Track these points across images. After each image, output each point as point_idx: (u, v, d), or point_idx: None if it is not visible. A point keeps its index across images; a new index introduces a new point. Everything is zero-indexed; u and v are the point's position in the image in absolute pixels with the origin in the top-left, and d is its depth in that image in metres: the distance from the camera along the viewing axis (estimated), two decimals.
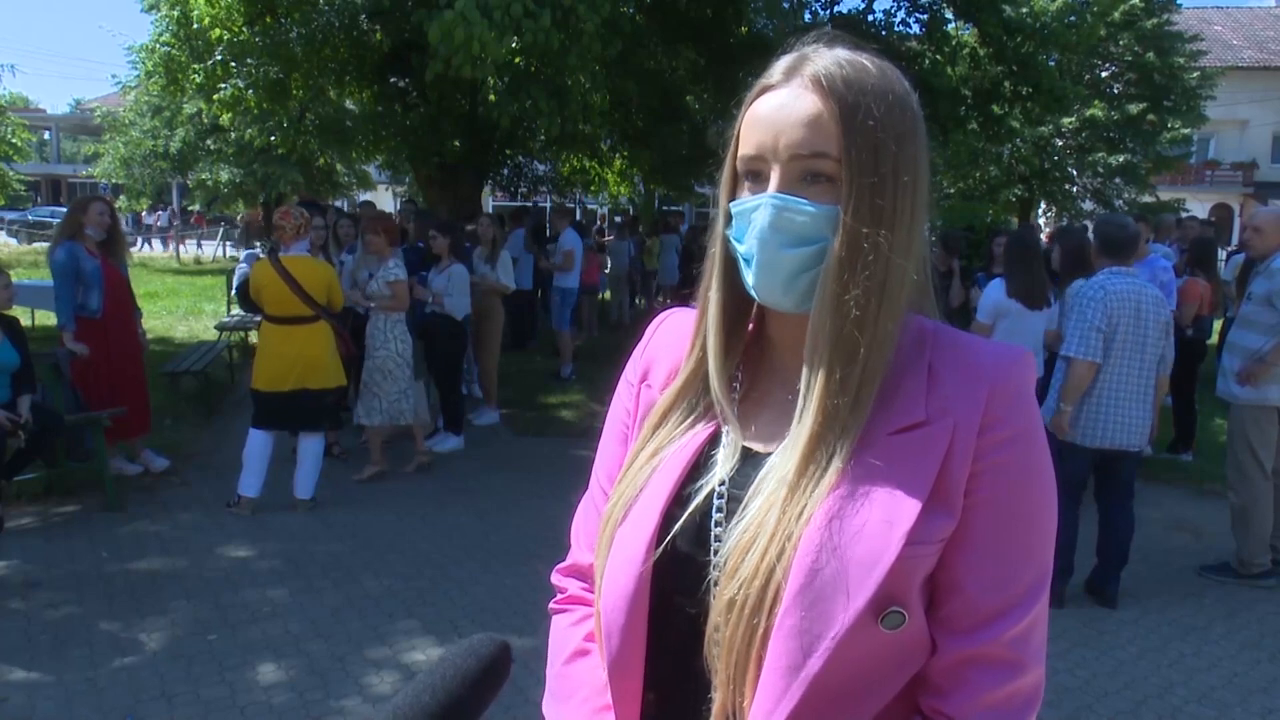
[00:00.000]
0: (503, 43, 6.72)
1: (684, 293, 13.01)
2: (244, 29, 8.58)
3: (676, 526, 0.89)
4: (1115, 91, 20.88)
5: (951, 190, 20.67)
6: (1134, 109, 19.97)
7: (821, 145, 0.83)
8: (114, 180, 26.23)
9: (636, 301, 14.55)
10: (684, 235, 14.04)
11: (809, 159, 0.84)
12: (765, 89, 0.88)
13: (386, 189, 26.78)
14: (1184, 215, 12.98)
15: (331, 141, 12.20)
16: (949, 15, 11.43)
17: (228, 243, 29.15)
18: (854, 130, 0.83)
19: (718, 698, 0.85)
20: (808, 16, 11.42)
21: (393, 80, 10.59)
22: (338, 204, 21.19)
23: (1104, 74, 21.11)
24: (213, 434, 6.80)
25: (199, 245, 29.31)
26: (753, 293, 0.89)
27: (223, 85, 9.05)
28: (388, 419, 5.72)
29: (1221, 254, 8.77)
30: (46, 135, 44.90)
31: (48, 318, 9.61)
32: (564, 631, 1.03)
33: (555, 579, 1.09)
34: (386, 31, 9.13)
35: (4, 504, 4.73)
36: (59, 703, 3.13)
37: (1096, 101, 19.94)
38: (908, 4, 11.51)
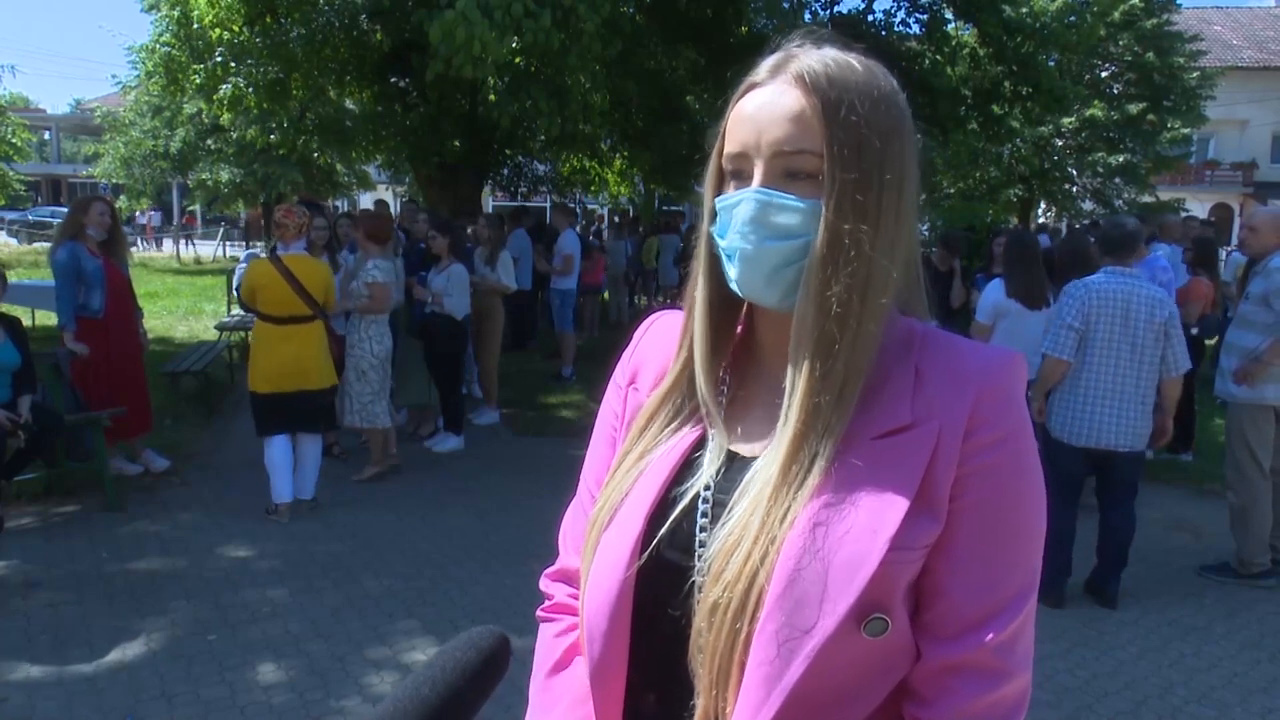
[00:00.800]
0: (503, 43, 6.72)
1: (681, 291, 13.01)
2: (244, 29, 8.58)
3: (661, 531, 0.88)
4: (1115, 91, 20.88)
5: (951, 190, 20.68)
6: (1134, 109, 19.97)
7: (804, 141, 0.83)
8: (114, 180, 26.24)
9: (636, 301, 14.55)
10: (683, 235, 14.03)
11: (791, 155, 0.84)
12: (751, 86, 0.89)
13: (386, 189, 26.76)
14: (1183, 215, 12.98)
15: (331, 141, 12.21)
16: (949, 15, 11.44)
17: (228, 242, 29.17)
18: (836, 126, 0.82)
19: (700, 703, 0.84)
20: (808, 16, 11.42)
21: (393, 80, 10.59)
22: (337, 204, 21.20)
23: (1104, 74, 21.11)
24: (213, 434, 6.80)
25: (190, 244, 29.22)
26: (735, 287, 0.89)
27: (223, 85, 9.05)
28: (359, 420, 5.67)
29: (1221, 254, 8.76)
30: (46, 135, 44.90)
31: (48, 318, 9.61)
32: (548, 643, 1.02)
33: (543, 584, 1.08)
34: (387, 31, 9.14)
35: (4, 504, 4.73)
36: (59, 703, 3.13)
37: (1096, 101, 19.94)
38: (908, 4, 11.52)
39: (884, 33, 11.06)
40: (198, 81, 9.24)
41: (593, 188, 17.24)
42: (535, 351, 10.59)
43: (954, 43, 11.76)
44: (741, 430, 0.92)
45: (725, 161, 0.89)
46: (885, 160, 0.84)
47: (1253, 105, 28.13)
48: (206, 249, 29.14)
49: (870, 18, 11.48)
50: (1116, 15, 19.27)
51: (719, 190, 0.91)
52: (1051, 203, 21.82)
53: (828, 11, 11.75)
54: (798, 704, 0.77)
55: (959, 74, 11.56)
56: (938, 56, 11.25)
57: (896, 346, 0.87)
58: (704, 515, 0.88)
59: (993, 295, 4.95)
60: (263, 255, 6.19)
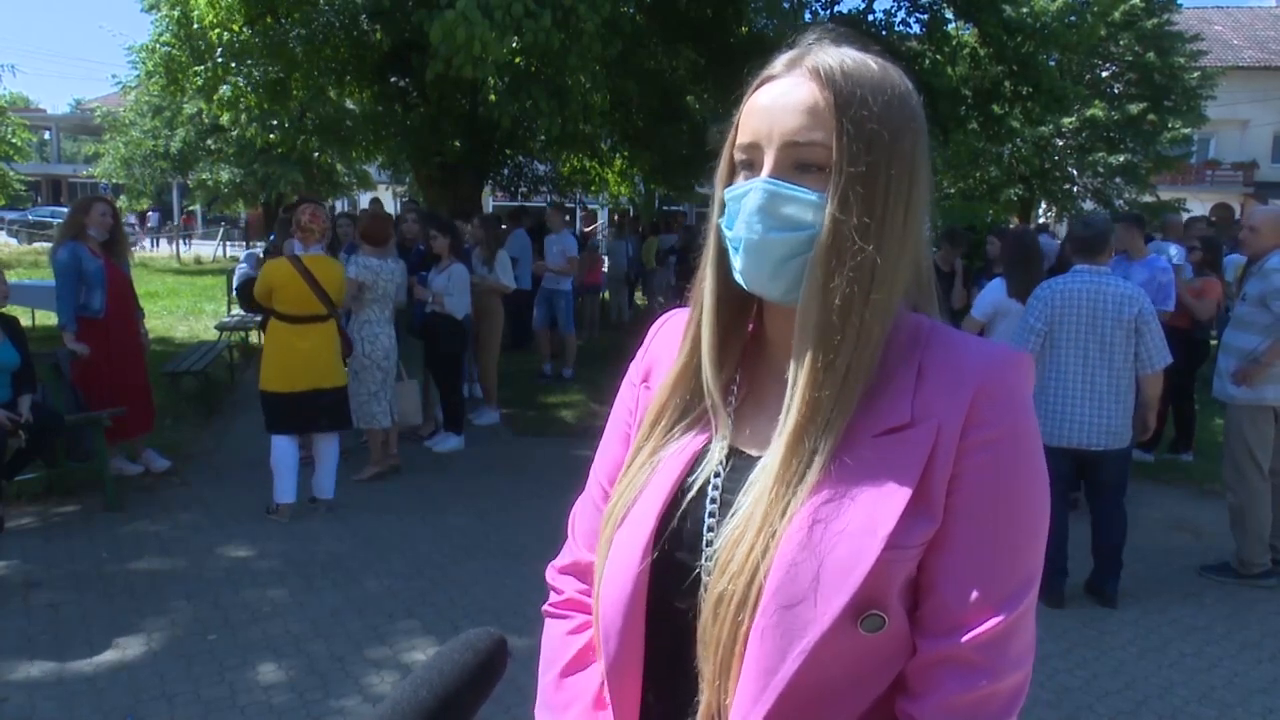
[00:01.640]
0: (503, 43, 6.73)
1: (683, 288, 13.02)
2: (244, 29, 8.58)
3: (671, 528, 0.89)
4: (1115, 91, 20.88)
5: (951, 190, 20.68)
6: (1134, 109, 19.97)
7: (814, 133, 0.83)
8: (114, 180, 26.26)
9: (635, 301, 14.55)
10: (681, 234, 14.00)
11: (801, 146, 0.84)
12: (766, 80, 0.89)
13: (386, 189, 26.78)
14: (1188, 216, 12.99)
15: (331, 141, 12.20)
16: (949, 15, 11.43)
17: (228, 243, 29.17)
18: (847, 119, 0.83)
19: (704, 696, 0.85)
20: (808, 16, 11.41)
21: (393, 80, 10.59)
22: (338, 203, 21.21)
23: (1104, 74, 21.11)
24: (213, 434, 6.80)
25: (188, 244, 29.21)
26: (739, 278, 0.89)
27: (223, 85, 9.05)
28: (356, 420, 5.65)
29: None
30: (46, 135, 44.89)
31: (48, 318, 9.61)
32: (560, 640, 1.02)
33: (552, 577, 1.07)
34: (387, 31, 9.14)
35: (4, 504, 4.73)
36: (59, 703, 3.13)
37: (1097, 101, 19.94)
38: (908, 4, 11.51)
39: (884, 32, 11.05)
40: (198, 82, 9.25)
41: (593, 188, 17.24)
42: (535, 351, 10.58)
43: (954, 42, 11.75)
44: (751, 430, 0.92)
45: (736, 152, 0.89)
46: (894, 157, 0.84)
47: (1253, 105, 28.11)
48: (204, 249, 29.14)
49: (870, 17, 11.48)
50: (1117, 15, 19.27)
51: (729, 183, 0.91)
52: (1052, 203, 21.82)
53: (828, 11, 11.74)
54: (794, 697, 0.78)
55: (959, 74, 11.56)
56: (938, 56, 11.24)
57: (902, 343, 0.87)
58: (711, 514, 0.89)
59: (991, 295, 4.95)
60: (263, 255, 6.17)
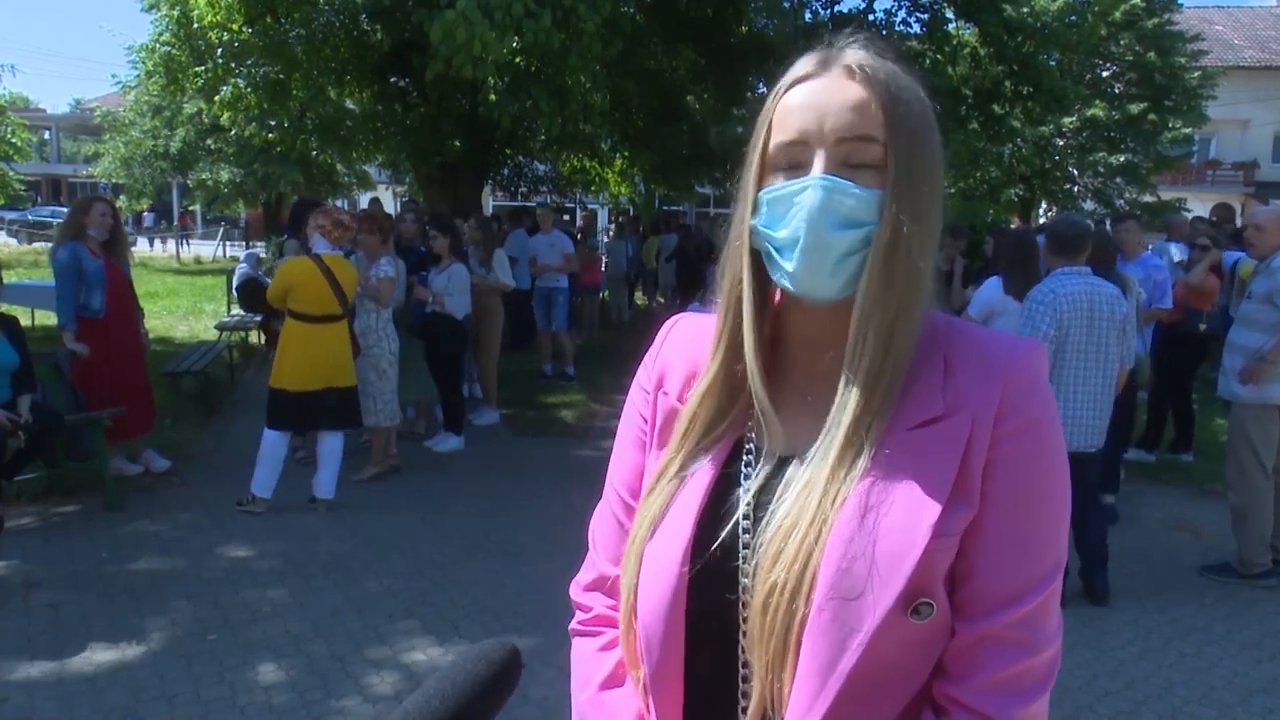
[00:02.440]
0: (504, 43, 6.73)
1: (686, 291, 13.08)
2: (244, 29, 8.58)
3: (715, 536, 0.89)
4: (1116, 91, 20.88)
5: (952, 190, 20.65)
6: (1135, 109, 19.96)
7: (869, 129, 0.85)
8: (114, 180, 26.26)
9: (634, 301, 14.53)
10: (679, 234, 13.99)
11: (855, 142, 0.85)
12: (797, 80, 0.89)
13: (386, 189, 26.77)
14: (1190, 216, 12.98)
15: (332, 141, 12.21)
16: (949, 15, 11.44)
17: (228, 243, 29.17)
18: (898, 118, 0.85)
19: (755, 689, 0.85)
20: (808, 16, 11.42)
21: (393, 80, 10.60)
22: (338, 203, 21.19)
23: (1105, 74, 21.11)
24: (213, 434, 6.80)
25: (185, 244, 29.17)
26: (788, 281, 0.87)
27: (223, 86, 9.05)
28: (383, 419, 5.71)
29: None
30: (46, 135, 44.89)
31: (48, 317, 9.61)
32: (593, 656, 1.01)
33: (576, 594, 1.06)
34: (387, 31, 9.15)
35: (4, 504, 4.73)
36: (59, 703, 3.13)
37: (1097, 101, 19.94)
38: (908, 3, 11.52)
39: (885, 32, 11.05)
40: (199, 82, 9.25)
41: (593, 188, 17.23)
42: (535, 351, 10.59)
43: (955, 42, 11.76)
44: (777, 431, 0.92)
45: (775, 151, 0.88)
46: (932, 156, 0.88)
47: (1254, 105, 28.10)
48: (203, 249, 29.13)
49: (871, 17, 11.49)
50: (1117, 15, 19.27)
51: (763, 183, 0.89)
52: (1052, 202, 21.81)
53: (828, 11, 11.75)
54: (851, 690, 0.80)
55: (960, 74, 11.57)
56: (938, 56, 11.25)
57: (925, 339, 0.88)
58: (746, 518, 0.89)
59: (987, 293, 4.96)
60: (264, 255, 6.18)
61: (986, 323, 4.88)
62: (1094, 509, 4.17)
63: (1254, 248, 4.59)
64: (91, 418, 5.07)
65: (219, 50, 8.83)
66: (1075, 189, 21.26)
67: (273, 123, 11.09)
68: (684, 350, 1.01)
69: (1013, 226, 12.10)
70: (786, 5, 11.22)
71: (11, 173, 23.12)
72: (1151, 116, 20.11)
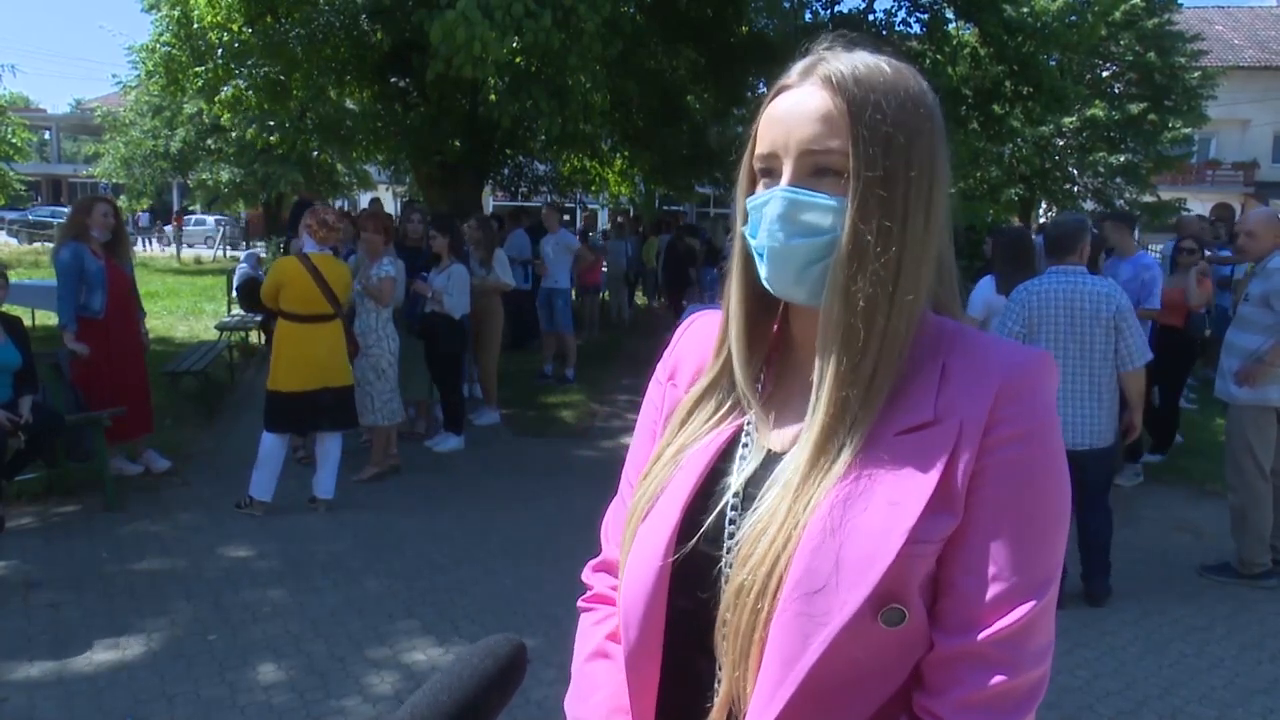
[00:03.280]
0: (504, 43, 6.73)
1: (673, 291, 13.06)
2: (244, 29, 8.59)
3: (699, 523, 0.91)
4: (1116, 91, 20.89)
5: (952, 190, 20.50)
6: (1135, 109, 19.97)
7: (830, 140, 0.85)
8: (114, 180, 26.26)
9: (633, 301, 14.54)
10: (673, 234, 14.02)
11: (818, 153, 0.86)
12: (782, 89, 0.91)
13: (387, 189, 26.78)
14: (1187, 214, 13.00)
15: (332, 141, 12.21)
16: (950, 15, 11.44)
17: (226, 242, 29.17)
18: (861, 124, 0.84)
19: (723, 683, 0.87)
20: (808, 16, 11.42)
21: (393, 80, 10.60)
22: (338, 203, 21.21)
23: (1105, 74, 21.12)
24: (213, 434, 6.80)
25: (173, 244, 29.12)
26: (766, 284, 0.91)
27: (224, 87, 9.06)
28: (381, 419, 5.71)
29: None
30: (46, 135, 44.90)
31: (48, 317, 9.62)
32: (587, 631, 1.06)
33: (586, 575, 1.11)
34: (387, 31, 9.15)
35: (4, 504, 4.73)
36: (59, 703, 3.13)
37: (1097, 101, 19.95)
38: (908, 4, 11.52)
39: (885, 32, 11.06)
40: (199, 83, 9.26)
41: (593, 188, 17.24)
42: (535, 351, 10.59)
43: (955, 42, 11.76)
44: (775, 427, 0.95)
45: (756, 162, 0.92)
46: (912, 158, 0.86)
47: (1254, 105, 28.10)
48: (203, 249, 29.11)
49: (871, 17, 11.49)
50: (1118, 15, 19.26)
51: (751, 191, 0.93)
52: (1052, 202, 21.82)
53: (828, 11, 11.75)
54: (813, 687, 0.80)
55: (960, 74, 11.56)
56: (938, 56, 11.24)
57: (926, 344, 0.88)
58: (734, 509, 0.91)
59: (982, 292, 4.98)
60: (264, 255, 6.19)
61: (987, 321, 4.90)
62: (1095, 510, 4.15)
63: (1245, 253, 4.60)
64: (91, 418, 5.07)
65: (219, 50, 8.83)
66: (1075, 189, 21.26)
67: (273, 123, 11.09)
68: (697, 345, 1.05)
69: (1005, 226, 12.09)
70: (786, 5, 11.22)
71: (11, 173, 23.10)
72: (1151, 116, 20.12)
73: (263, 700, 3.19)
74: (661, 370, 1.09)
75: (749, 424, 0.95)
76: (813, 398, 0.87)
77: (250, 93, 9.29)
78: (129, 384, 5.53)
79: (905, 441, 0.84)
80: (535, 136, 10.96)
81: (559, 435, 7.16)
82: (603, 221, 26.20)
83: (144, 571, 4.28)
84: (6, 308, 5.16)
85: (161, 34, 9.58)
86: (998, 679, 0.81)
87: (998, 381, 0.85)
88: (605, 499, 1.10)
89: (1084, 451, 4.01)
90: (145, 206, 30.21)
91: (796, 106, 0.88)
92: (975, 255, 7.94)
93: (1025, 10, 12.31)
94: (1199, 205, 22.36)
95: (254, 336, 9.61)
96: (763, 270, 0.90)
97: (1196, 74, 20.99)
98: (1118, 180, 20.81)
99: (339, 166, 21.84)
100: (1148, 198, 21.16)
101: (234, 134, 17.18)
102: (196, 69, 9.16)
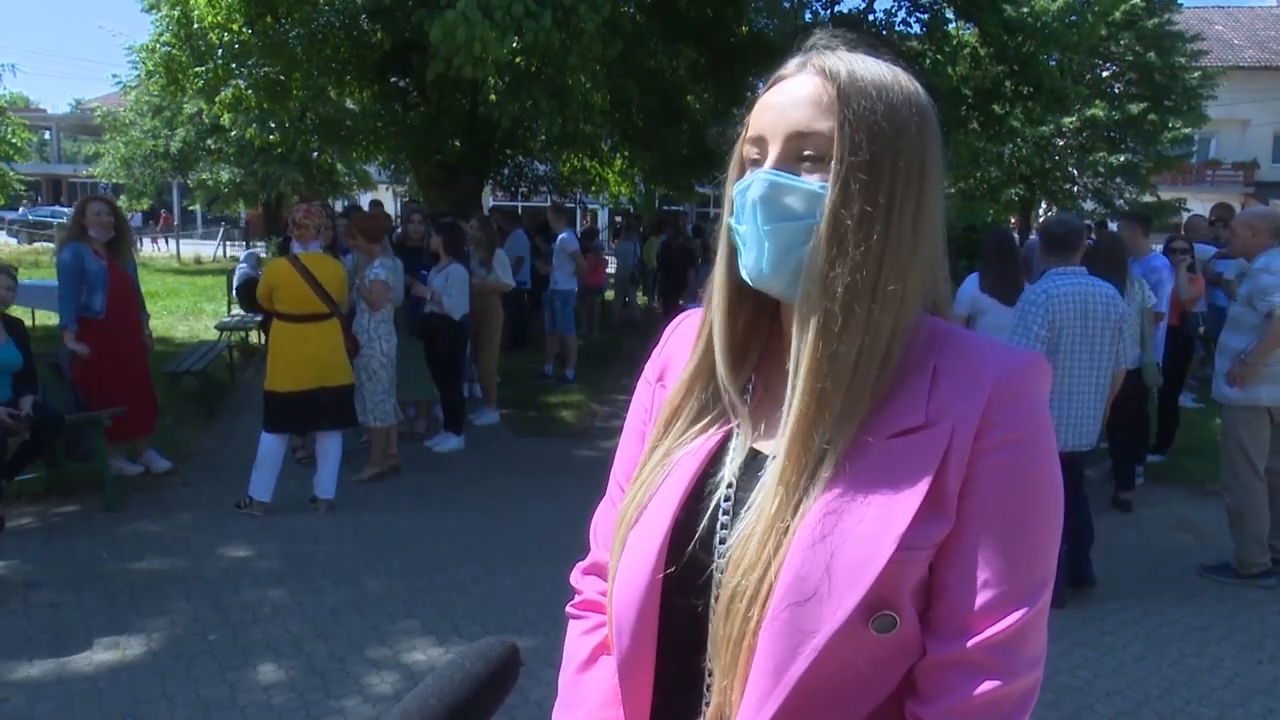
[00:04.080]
0: (504, 43, 6.73)
1: (668, 291, 13.05)
2: (244, 29, 8.59)
3: (686, 527, 0.90)
4: (1116, 91, 20.88)
5: (952, 190, 20.69)
6: (1135, 109, 19.97)
7: (816, 124, 0.85)
8: (114, 180, 26.25)
9: (626, 301, 14.53)
10: (669, 233, 14.01)
11: (804, 137, 0.85)
12: (778, 80, 0.91)
13: (387, 189, 26.78)
14: (1187, 214, 13.00)
15: (332, 141, 12.22)
16: (950, 15, 11.43)
17: (228, 242, 29.17)
18: (849, 109, 0.84)
19: (713, 694, 0.86)
20: (808, 16, 11.42)
21: (393, 80, 10.60)
22: (338, 203, 21.19)
23: (1105, 74, 21.11)
24: (213, 434, 6.80)
25: (163, 244, 29.11)
26: (746, 275, 0.89)
27: (224, 86, 9.06)
28: (373, 420, 5.69)
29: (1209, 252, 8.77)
30: (46, 135, 44.89)
31: (48, 317, 9.62)
32: (576, 640, 1.04)
33: (575, 579, 1.09)
34: (387, 31, 9.14)
35: (4, 504, 4.73)
36: (59, 703, 3.13)
37: (1097, 101, 19.94)
38: (908, 4, 11.52)
39: (885, 32, 11.05)
40: (199, 83, 9.25)
41: (593, 188, 17.24)
42: (535, 352, 10.59)
43: (955, 42, 11.76)
44: (766, 429, 0.93)
45: (746, 148, 0.91)
46: (899, 150, 0.84)
47: (1254, 105, 28.10)
48: (204, 249, 29.10)
49: (871, 17, 11.48)
50: (1118, 15, 19.26)
51: (739, 180, 0.92)
52: (1052, 202, 21.81)
53: (828, 11, 11.74)
54: (803, 696, 0.78)
55: (960, 74, 11.55)
56: (938, 56, 11.24)
57: (918, 345, 0.87)
58: (725, 512, 0.89)
59: (968, 288, 5.00)
60: (264, 255, 6.18)
61: (972, 319, 4.92)
62: (1082, 505, 4.19)
63: (1230, 247, 4.63)
64: (92, 418, 5.07)
65: (219, 50, 8.83)
66: (1075, 189, 21.26)
67: (273, 123, 11.09)
68: (687, 344, 1.02)
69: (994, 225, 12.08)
70: (786, 5, 11.21)
71: (12, 173, 23.10)
72: (1151, 116, 20.11)
73: (263, 700, 3.19)
74: (650, 370, 1.07)
75: (737, 426, 0.94)
76: (788, 389, 0.85)
77: (250, 93, 9.29)
78: (130, 384, 5.53)
79: (896, 445, 0.82)
80: (535, 136, 10.96)
81: (559, 435, 7.16)
82: (603, 221, 26.20)
83: (144, 571, 4.28)
84: (10, 309, 5.15)
85: (161, 34, 9.58)
86: (990, 686, 0.80)
87: (991, 384, 0.83)
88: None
89: (1081, 452, 4.02)
90: (145, 207, 30.17)
91: (788, 92, 0.87)
92: (975, 255, 7.93)
93: (1025, 10, 12.30)
94: (1199, 205, 22.31)
95: (254, 336, 9.60)
96: (745, 258, 0.89)
97: (1196, 74, 20.98)
98: (1118, 180, 20.81)
99: (339, 166, 21.83)
100: (1148, 198, 21.16)
101: (234, 134, 17.13)
102: (196, 69, 9.16)
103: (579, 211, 26.18)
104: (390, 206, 23.42)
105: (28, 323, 7.98)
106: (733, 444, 0.93)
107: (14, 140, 21.16)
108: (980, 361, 0.85)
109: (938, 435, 0.82)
